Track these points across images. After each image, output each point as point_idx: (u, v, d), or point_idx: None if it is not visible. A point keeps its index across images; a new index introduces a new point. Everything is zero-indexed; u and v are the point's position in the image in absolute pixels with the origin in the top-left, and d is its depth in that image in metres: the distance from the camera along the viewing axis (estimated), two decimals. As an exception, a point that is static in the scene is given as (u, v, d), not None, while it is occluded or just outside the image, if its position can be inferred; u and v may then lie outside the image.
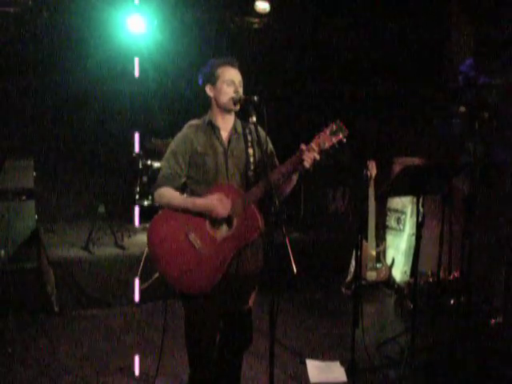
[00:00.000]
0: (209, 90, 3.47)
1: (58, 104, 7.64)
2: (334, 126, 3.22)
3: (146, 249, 3.67)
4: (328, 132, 3.22)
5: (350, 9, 8.01)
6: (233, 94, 3.40)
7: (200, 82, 3.54)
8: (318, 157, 3.20)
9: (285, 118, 8.18)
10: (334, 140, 3.21)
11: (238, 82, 3.44)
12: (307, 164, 3.19)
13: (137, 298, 5.24)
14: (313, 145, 3.21)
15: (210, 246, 3.34)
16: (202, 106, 3.66)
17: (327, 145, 3.21)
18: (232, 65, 3.47)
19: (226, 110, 3.47)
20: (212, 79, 3.45)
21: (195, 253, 3.33)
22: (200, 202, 3.34)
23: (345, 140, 3.22)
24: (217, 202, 3.30)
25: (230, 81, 3.41)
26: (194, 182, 3.48)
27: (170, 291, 3.50)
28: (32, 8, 7.26)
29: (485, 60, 6.64)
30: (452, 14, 7.30)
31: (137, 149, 6.80)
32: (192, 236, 3.34)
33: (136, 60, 6.76)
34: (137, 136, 6.56)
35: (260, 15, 8.24)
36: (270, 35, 8.42)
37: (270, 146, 3.58)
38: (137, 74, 6.77)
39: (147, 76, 7.73)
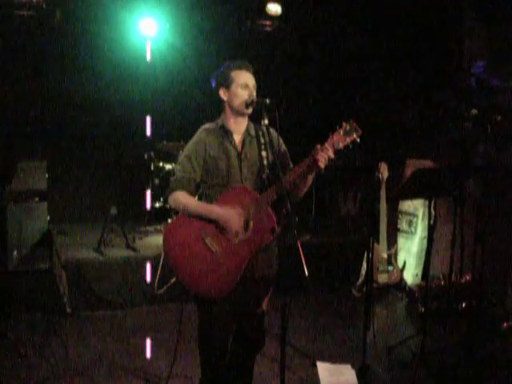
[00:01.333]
0: (222, 93, 3.48)
1: (71, 106, 7.68)
2: (348, 126, 3.24)
3: (162, 254, 3.67)
4: (342, 132, 3.23)
5: (362, 11, 8.00)
6: (246, 97, 3.41)
7: (213, 85, 3.55)
8: (332, 156, 3.22)
9: (297, 120, 8.18)
10: (348, 140, 3.23)
11: (252, 86, 3.46)
12: (322, 164, 3.20)
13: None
14: (327, 145, 3.23)
15: (227, 250, 3.34)
16: (214, 109, 3.68)
17: (341, 145, 3.23)
18: (246, 68, 3.49)
19: (239, 114, 3.48)
20: (226, 83, 3.46)
21: (212, 256, 3.34)
22: (217, 212, 3.34)
23: (358, 140, 3.24)
24: (232, 216, 3.31)
25: (244, 84, 3.43)
26: (208, 185, 3.49)
27: (185, 294, 3.51)
28: (46, 11, 7.30)
29: (497, 63, 6.61)
30: (465, 17, 7.27)
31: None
32: (208, 240, 3.35)
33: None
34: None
35: (272, 18, 8.23)
36: (282, 38, 8.42)
37: (284, 147, 3.59)
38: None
39: (159, 78, 7.77)
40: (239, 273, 3.32)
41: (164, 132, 7.71)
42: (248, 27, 8.31)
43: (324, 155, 3.20)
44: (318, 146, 3.23)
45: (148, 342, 5.14)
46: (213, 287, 3.34)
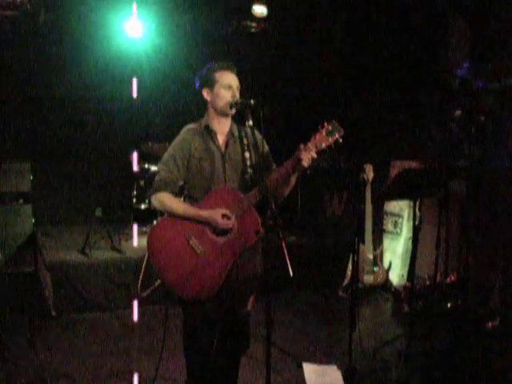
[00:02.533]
0: (206, 93, 3.48)
1: (55, 107, 7.64)
2: (330, 127, 3.27)
3: (146, 255, 3.66)
4: (324, 132, 3.26)
5: (347, 11, 8.02)
6: (230, 99, 3.41)
7: (197, 85, 3.55)
8: (315, 156, 3.24)
9: (282, 121, 8.19)
10: (331, 140, 3.26)
11: (235, 87, 3.46)
12: (305, 163, 3.22)
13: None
14: (310, 145, 3.25)
15: (212, 251, 3.34)
16: (199, 109, 3.67)
17: (324, 145, 3.26)
18: (230, 69, 3.49)
19: (222, 114, 3.49)
20: (209, 83, 3.46)
21: (197, 258, 3.33)
22: (204, 214, 3.34)
23: (341, 140, 3.25)
24: (219, 217, 3.30)
25: (227, 85, 3.43)
26: (191, 186, 3.49)
27: (170, 296, 3.50)
28: (30, 11, 7.26)
29: (481, 64, 6.65)
30: (449, 18, 7.31)
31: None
32: (193, 241, 3.34)
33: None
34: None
35: (257, 19, 8.23)
36: (267, 39, 8.42)
37: (266, 148, 3.60)
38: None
39: (144, 79, 7.74)
40: (224, 274, 3.32)
41: (149, 133, 7.69)
42: (233, 28, 8.30)
43: (307, 155, 3.22)
44: (302, 146, 3.25)
45: (134, 344, 5.12)
46: (198, 289, 3.33)
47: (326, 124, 3.27)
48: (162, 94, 8.04)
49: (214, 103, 3.47)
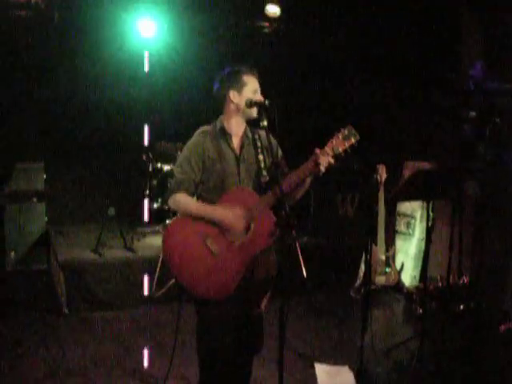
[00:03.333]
0: (233, 95, 3.46)
1: (69, 107, 7.67)
2: (346, 131, 3.29)
3: (161, 255, 3.67)
4: (340, 137, 3.28)
5: (361, 12, 8.00)
6: None
7: (219, 86, 3.53)
8: (332, 161, 3.26)
9: (293, 122, 8.17)
10: (347, 144, 3.28)
11: (259, 92, 3.49)
12: (323, 168, 3.24)
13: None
14: (327, 149, 3.26)
15: (228, 252, 3.34)
16: (211, 109, 3.67)
17: (340, 149, 3.28)
18: (255, 75, 3.51)
19: (245, 117, 3.50)
20: (237, 86, 3.45)
21: (213, 258, 3.34)
22: (220, 213, 3.35)
23: (356, 144, 3.27)
24: (234, 218, 3.32)
25: (255, 90, 3.46)
26: (205, 187, 3.49)
27: (183, 295, 3.50)
28: (44, 11, 7.29)
29: (495, 64, 6.62)
30: (463, 18, 7.28)
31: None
32: (209, 241, 3.35)
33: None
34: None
35: (270, 19, 8.23)
36: (280, 39, 8.41)
37: (280, 152, 3.61)
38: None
39: (157, 79, 7.77)
40: (240, 275, 3.33)
41: (161, 132, 7.71)
42: (246, 29, 8.30)
43: (325, 159, 3.23)
44: (318, 151, 3.26)
45: (146, 343, 5.13)
46: (213, 289, 3.33)
47: (341, 129, 3.29)
48: (174, 94, 8.05)
49: (240, 106, 3.46)
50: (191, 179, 3.44)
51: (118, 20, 7.36)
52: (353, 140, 3.28)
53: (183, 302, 3.65)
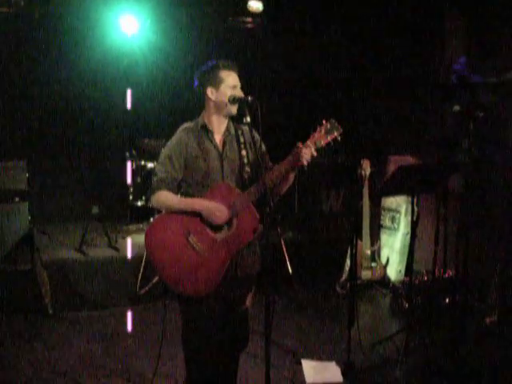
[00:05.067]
0: (210, 92, 3.44)
1: (51, 105, 7.61)
2: (329, 125, 3.28)
3: (145, 253, 3.65)
4: (323, 130, 3.27)
5: (344, 7, 8.00)
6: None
7: (197, 83, 3.51)
8: (315, 154, 3.26)
9: (277, 118, 8.16)
10: (329, 138, 3.28)
11: (238, 87, 3.46)
12: (305, 161, 3.23)
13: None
14: (309, 142, 3.26)
15: (211, 248, 3.34)
16: (196, 106, 3.65)
17: (323, 142, 3.28)
18: (234, 69, 3.47)
19: (226, 114, 3.47)
20: (214, 82, 3.42)
21: (195, 255, 3.33)
22: (200, 203, 3.34)
23: (339, 138, 3.27)
24: (216, 209, 3.31)
25: (233, 85, 3.42)
26: (188, 185, 3.47)
27: (168, 292, 3.49)
28: (24, 8, 7.22)
29: (478, 59, 6.64)
30: (446, 13, 7.29)
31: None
32: (192, 238, 3.34)
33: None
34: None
35: (253, 15, 8.21)
36: (263, 35, 8.39)
37: (264, 147, 3.59)
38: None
39: (140, 76, 7.72)
40: (222, 271, 3.32)
41: (145, 130, 7.68)
42: (229, 24, 8.27)
43: (307, 152, 3.23)
44: (300, 144, 3.26)
45: (132, 341, 5.11)
46: (196, 286, 3.33)
47: (324, 122, 3.29)
48: (157, 91, 8.01)
49: (218, 102, 3.43)
50: (173, 177, 3.43)
51: (100, 16, 7.30)
52: (335, 133, 3.28)
53: (168, 300, 3.63)
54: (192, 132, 3.49)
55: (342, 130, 3.28)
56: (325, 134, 3.27)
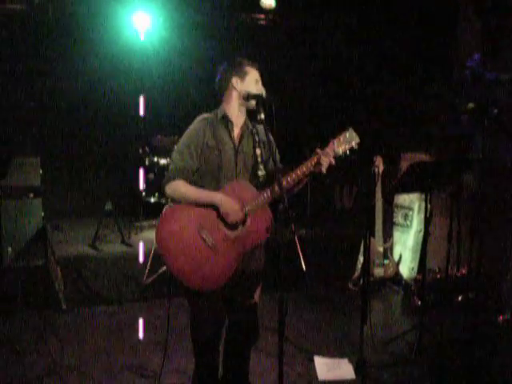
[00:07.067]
0: (235, 82, 3.48)
1: (65, 101, 7.65)
2: (347, 134, 3.35)
3: (154, 245, 3.67)
4: (342, 139, 3.35)
5: (358, 4, 7.98)
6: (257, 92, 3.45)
7: (221, 74, 3.54)
8: (333, 162, 3.32)
9: (289, 116, 8.15)
10: (347, 147, 3.36)
11: (260, 83, 3.52)
12: (324, 168, 3.30)
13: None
14: (328, 150, 3.32)
15: (223, 244, 3.35)
16: (207, 102, 3.66)
17: (341, 151, 3.34)
18: (256, 67, 3.54)
19: (246, 106, 3.51)
20: (241, 73, 3.48)
21: (207, 249, 3.34)
22: (219, 198, 3.33)
23: (356, 147, 3.36)
24: (233, 206, 3.31)
25: (257, 80, 3.49)
26: (201, 175, 3.47)
27: (175, 287, 3.50)
28: (38, 5, 7.25)
29: (492, 55, 6.60)
30: (460, 9, 7.26)
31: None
32: (204, 232, 3.34)
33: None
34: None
35: (266, 11, 8.20)
36: (276, 31, 8.38)
37: (278, 155, 3.62)
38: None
39: (152, 73, 7.73)
40: (233, 268, 3.35)
41: (157, 126, 7.70)
42: (242, 21, 8.27)
43: (327, 159, 3.29)
44: (319, 150, 3.31)
45: (145, 337, 5.13)
46: (205, 280, 3.35)
47: (343, 131, 3.36)
48: (170, 87, 8.02)
49: (243, 93, 3.47)
50: (190, 167, 3.42)
51: (113, 13, 7.32)
52: (353, 143, 3.35)
53: (176, 295, 3.63)
54: (211, 122, 3.50)
55: (359, 140, 3.35)
56: (343, 143, 3.33)
